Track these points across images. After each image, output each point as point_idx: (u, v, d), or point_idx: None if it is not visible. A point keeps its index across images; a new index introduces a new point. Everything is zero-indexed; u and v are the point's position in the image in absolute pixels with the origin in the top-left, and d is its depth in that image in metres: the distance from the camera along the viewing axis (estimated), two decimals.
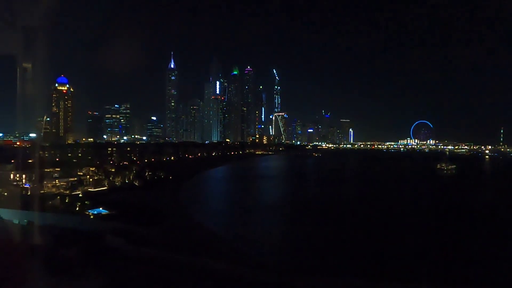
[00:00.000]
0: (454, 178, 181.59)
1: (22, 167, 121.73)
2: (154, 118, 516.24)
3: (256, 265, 48.59)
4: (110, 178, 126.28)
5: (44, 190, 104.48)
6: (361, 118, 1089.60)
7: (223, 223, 79.78)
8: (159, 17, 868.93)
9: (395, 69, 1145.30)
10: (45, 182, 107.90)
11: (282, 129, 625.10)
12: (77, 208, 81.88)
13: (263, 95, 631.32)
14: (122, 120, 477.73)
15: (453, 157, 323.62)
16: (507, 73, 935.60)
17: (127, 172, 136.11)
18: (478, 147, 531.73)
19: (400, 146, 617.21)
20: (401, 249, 60.83)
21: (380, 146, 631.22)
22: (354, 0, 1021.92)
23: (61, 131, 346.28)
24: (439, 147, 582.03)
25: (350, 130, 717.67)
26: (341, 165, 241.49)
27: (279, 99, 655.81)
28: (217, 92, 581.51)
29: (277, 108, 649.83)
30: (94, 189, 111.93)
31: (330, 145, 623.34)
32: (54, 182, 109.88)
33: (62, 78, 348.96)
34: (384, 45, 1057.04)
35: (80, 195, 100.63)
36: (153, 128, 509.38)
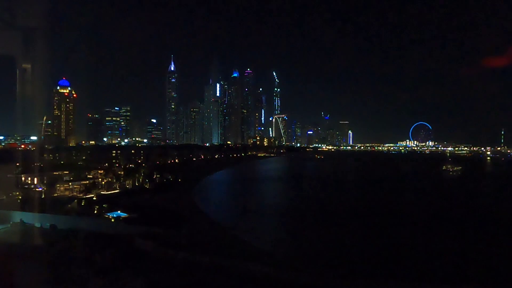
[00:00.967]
0: (462, 179, 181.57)
1: (32, 170, 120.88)
2: (154, 120, 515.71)
3: (291, 267, 48.06)
4: (120, 181, 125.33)
5: (57, 193, 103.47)
6: (360, 119, 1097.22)
7: (245, 226, 78.95)
8: (159, 20, 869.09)
9: (394, 71, 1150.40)
10: (57, 185, 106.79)
11: (282, 131, 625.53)
12: (95, 211, 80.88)
13: (263, 97, 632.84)
14: (122, 123, 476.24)
15: (454, 158, 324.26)
16: (506, 74, 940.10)
17: (136, 175, 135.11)
18: (478, 149, 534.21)
19: (400, 148, 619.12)
20: (430, 250, 60.46)
21: (380, 148, 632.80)
22: (354, 3, 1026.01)
23: (63, 133, 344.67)
24: (439, 148, 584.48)
25: (349, 132, 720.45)
26: (349, 168, 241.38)
27: (279, 101, 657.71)
28: (217, 94, 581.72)
29: (277, 110, 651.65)
30: (106, 192, 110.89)
31: (330, 147, 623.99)
32: (67, 185, 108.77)
33: (64, 80, 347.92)
34: (383, 47, 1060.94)
35: (95, 198, 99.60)
36: (153, 131, 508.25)
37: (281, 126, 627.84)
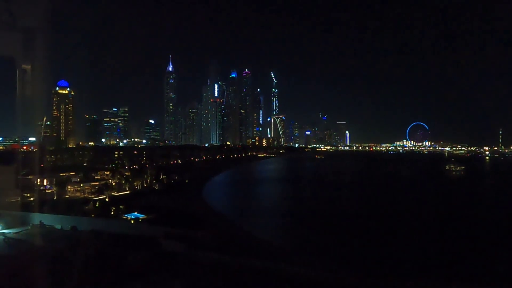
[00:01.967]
0: (467, 179, 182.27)
1: (39, 172, 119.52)
2: (152, 121, 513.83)
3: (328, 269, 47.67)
4: (129, 182, 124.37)
5: (68, 195, 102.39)
6: (357, 120, 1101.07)
7: (264, 227, 78.50)
8: (157, 20, 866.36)
9: (391, 71, 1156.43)
10: (68, 187, 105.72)
11: (281, 132, 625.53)
12: (112, 213, 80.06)
13: (261, 98, 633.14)
14: (120, 124, 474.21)
15: (453, 158, 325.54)
16: (504, 75, 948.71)
17: (145, 176, 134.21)
18: (475, 148, 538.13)
19: (398, 148, 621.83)
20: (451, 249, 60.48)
21: (378, 148, 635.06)
22: (351, 4, 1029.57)
23: (62, 134, 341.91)
24: (437, 148, 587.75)
25: (347, 132, 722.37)
26: (353, 168, 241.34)
27: (277, 102, 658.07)
28: (216, 95, 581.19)
29: (275, 110, 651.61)
30: (117, 193, 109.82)
31: (328, 148, 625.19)
32: (77, 187, 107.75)
33: (63, 81, 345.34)
34: (380, 48, 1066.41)
35: (107, 200, 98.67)
36: (151, 131, 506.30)
37: (279, 127, 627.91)
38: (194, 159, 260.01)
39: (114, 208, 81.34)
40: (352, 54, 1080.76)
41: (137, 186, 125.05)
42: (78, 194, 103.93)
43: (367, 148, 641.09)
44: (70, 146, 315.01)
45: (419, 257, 56.63)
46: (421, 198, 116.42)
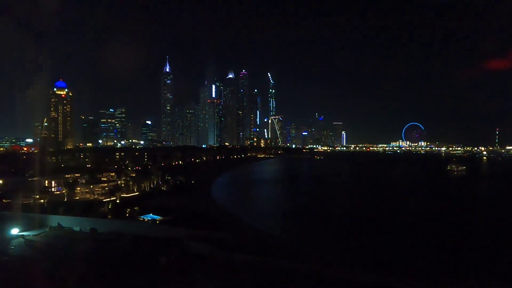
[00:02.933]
0: (471, 179, 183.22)
1: (46, 173, 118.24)
2: (149, 122, 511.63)
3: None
4: (138, 183, 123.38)
5: (78, 197, 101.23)
6: (353, 120, 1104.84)
7: (279, 227, 78.13)
8: (154, 21, 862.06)
9: (387, 72, 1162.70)
10: (78, 188, 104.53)
11: (278, 132, 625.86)
12: (127, 214, 79.17)
13: (258, 99, 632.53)
14: (117, 125, 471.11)
15: (451, 158, 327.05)
16: (498, 75, 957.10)
17: (152, 177, 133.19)
18: (471, 148, 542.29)
19: (396, 148, 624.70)
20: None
21: (375, 148, 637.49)
22: (347, 6, 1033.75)
23: (60, 136, 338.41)
24: (434, 148, 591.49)
25: (343, 132, 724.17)
26: (355, 168, 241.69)
27: (274, 103, 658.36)
28: (213, 95, 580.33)
29: (272, 111, 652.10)
30: (127, 194, 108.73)
31: (325, 148, 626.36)
32: (87, 188, 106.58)
33: (61, 82, 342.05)
34: (376, 49, 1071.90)
35: (118, 201, 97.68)
36: (148, 132, 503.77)
37: (277, 127, 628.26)
38: (195, 160, 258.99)
39: (129, 210, 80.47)
40: (348, 55, 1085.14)
41: (144, 187, 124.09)
42: (88, 196, 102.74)
43: (364, 148, 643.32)
44: (68, 147, 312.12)
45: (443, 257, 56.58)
46: (434, 199, 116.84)
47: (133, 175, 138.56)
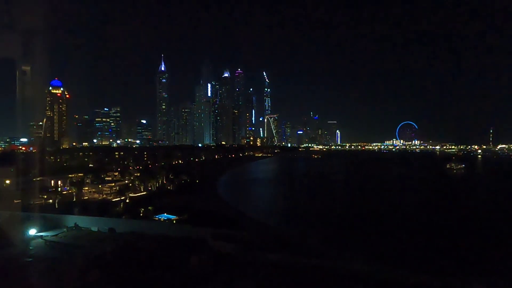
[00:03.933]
0: (471, 178, 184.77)
1: (50, 173, 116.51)
2: (144, 121, 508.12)
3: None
4: (144, 183, 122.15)
5: (87, 196, 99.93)
6: (347, 119, 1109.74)
7: (295, 225, 77.80)
8: (149, 20, 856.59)
9: (380, 71, 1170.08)
10: (86, 188, 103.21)
11: (274, 131, 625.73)
12: (141, 214, 78.26)
13: (253, 98, 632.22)
14: (112, 124, 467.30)
15: (445, 157, 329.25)
16: (491, 75, 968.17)
17: (157, 176, 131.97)
18: (465, 147, 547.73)
19: (390, 147, 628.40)
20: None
21: (370, 147, 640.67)
22: (341, 6, 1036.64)
23: (56, 135, 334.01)
24: (428, 147, 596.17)
25: (337, 131, 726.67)
26: (356, 167, 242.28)
27: (269, 102, 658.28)
28: (209, 94, 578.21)
29: (267, 110, 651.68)
30: (134, 194, 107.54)
31: (321, 147, 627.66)
32: (94, 188, 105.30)
33: (56, 81, 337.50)
34: (370, 49, 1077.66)
35: (128, 201, 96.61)
36: (143, 131, 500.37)
37: (272, 126, 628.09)
38: (194, 160, 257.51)
39: (143, 209, 79.57)
40: (342, 55, 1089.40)
41: (150, 187, 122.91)
42: (96, 195, 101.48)
43: (359, 147, 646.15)
44: (64, 147, 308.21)
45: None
46: (443, 197, 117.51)
47: (137, 174, 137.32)
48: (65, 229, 62.97)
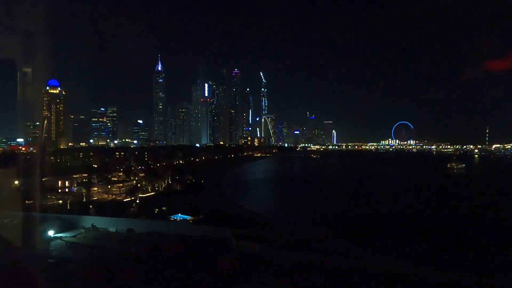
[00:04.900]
0: (472, 177, 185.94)
1: (55, 174, 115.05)
2: (140, 121, 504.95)
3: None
4: (152, 183, 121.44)
5: (96, 197, 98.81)
6: (343, 119, 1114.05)
7: (309, 226, 77.43)
8: (146, 19, 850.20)
9: (376, 71, 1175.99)
10: (95, 188, 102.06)
11: (271, 131, 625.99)
12: (155, 214, 77.50)
13: (250, 98, 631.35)
14: (108, 124, 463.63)
15: (443, 157, 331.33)
16: (486, 75, 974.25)
17: (164, 176, 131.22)
18: (460, 147, 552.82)
19: (387, 147, 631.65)
20: None
21: (367, 147, 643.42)
22: (337, 6, 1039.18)
23: (53, 135, 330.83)
24: (425, 147, 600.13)
25: (333, 131, 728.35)
26: (357, 167, 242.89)
27: (266, 102, 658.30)
28: (206, 94, 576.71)
29: (264, 110, 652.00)
30: (143, 194, 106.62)
31: (318, 147, 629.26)
32: (102, 189, 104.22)
33: (53, 80, 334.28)
34: (365, 49, 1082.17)
35: (138, 201, 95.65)
36: (139, 132, 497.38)
37: (270, 126, 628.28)
38: (195, 160, 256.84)
39: (157, 210, 78.76)
40: (338, 55, 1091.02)
41: (157, 187, 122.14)
42: (105, 196, 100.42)
43: (356, 147, 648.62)
44: (61, 147, 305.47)
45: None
46: (450, 197, 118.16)
47: (142, 174, 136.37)
48: (82, 230, 61.67)
